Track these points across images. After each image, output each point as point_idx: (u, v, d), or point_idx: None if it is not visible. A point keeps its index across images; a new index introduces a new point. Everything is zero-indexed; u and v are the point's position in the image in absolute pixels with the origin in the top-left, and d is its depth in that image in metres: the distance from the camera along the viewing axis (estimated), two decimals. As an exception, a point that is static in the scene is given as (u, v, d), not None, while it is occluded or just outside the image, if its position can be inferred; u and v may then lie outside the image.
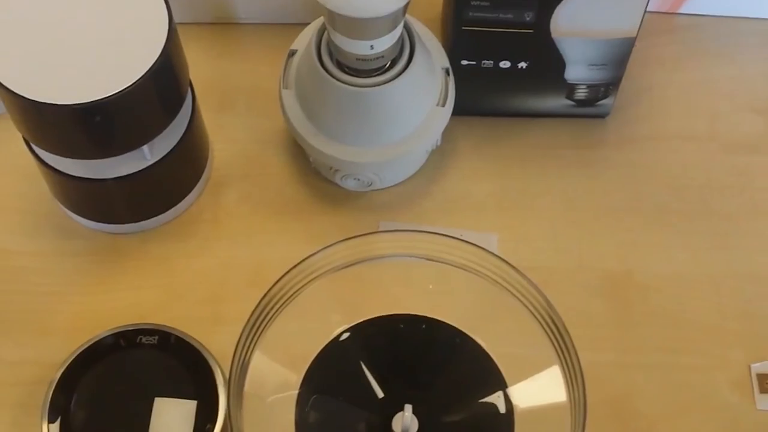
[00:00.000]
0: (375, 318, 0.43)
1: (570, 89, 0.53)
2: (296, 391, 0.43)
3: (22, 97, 0.42)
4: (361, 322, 0.44)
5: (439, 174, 0.55)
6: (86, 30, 0.43)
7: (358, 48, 0.44)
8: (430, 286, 0.46)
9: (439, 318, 0.43)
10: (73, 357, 0.46)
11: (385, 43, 0.44)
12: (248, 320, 0.42)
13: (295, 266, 0.43)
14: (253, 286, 0.50)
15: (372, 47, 0.44)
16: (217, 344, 0.47)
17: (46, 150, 0.45)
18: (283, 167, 0.55)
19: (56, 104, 0.42)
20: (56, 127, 0.44)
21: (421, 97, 0.49)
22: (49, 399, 0.45)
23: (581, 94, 0.53)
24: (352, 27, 0.43)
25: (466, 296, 0.44)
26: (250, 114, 0.56)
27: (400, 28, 0.44)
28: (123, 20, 0.43)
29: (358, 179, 0.51)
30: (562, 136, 0.56)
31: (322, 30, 0.48)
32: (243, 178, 0.54)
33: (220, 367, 0.46)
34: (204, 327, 0.48)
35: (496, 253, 0.44)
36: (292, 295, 0.43)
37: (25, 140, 0.48)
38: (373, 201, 0.54)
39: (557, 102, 0.54)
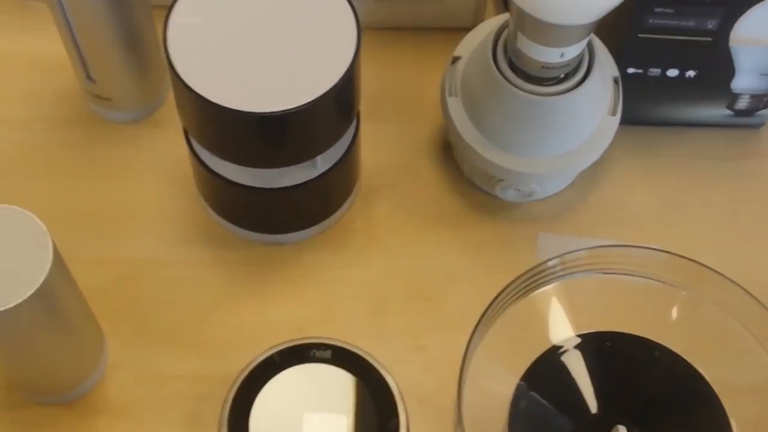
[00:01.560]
0: (602, 333, 0.42)
1: (733, 98, 0.52)
2: (511, 394, 0.42)
3: (211, 102, 0.40)
4: (587, 334, 0.43)
5: (593, 184, 0.53)
6: (274, 39, 0.42)
7: (547, 55, 0.43)
8: (673, 313, 0.45)
9: (664, 343, 0.42)
10: (246, 373, 0.44)
11: (575, 50, 0.43)
12: (477, 324, 0.41)
13: (527, 272, 0.42)
14: (414, 298, 0.49)
15: (562, 55, 0.43)
16: (382, 357, 0.46)
17: (223, 158, 0.44)
18: (434, 176, 0.53)
19: (245, 112, 0.40)
20: (240, 135, 0.43)
21: (595, 107, 0.47)
22: (227, 418, 0.43)
23: (743, 103, 0.52)
24: (547, 34, 0.42)
25: (692, 322, 0.43)
26: (397, 121, 0.54)
27: (589, 36, 0.43)
28: (312, 31, 0.42)
29: (519, 189, 0.50)
30: (717, 146, 0.55)
31: (496, 36, 0.47)
32: (394, 187, 0.53)
33: (394, 380, 0.45)
34: (367, 340, 0.47)
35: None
36: (519, 296, 0.42)
37: (190, 149, 0.47)
38: (529, 212, 0.53)
39: (716, 111, 0.53)
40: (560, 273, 0.42)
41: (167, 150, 0.53)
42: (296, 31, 0.42)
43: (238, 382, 0.45)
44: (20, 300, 0.36)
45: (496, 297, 0.41)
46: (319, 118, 0.43)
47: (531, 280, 0.41)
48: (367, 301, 0.50)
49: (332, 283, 0.50)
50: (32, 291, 0.36)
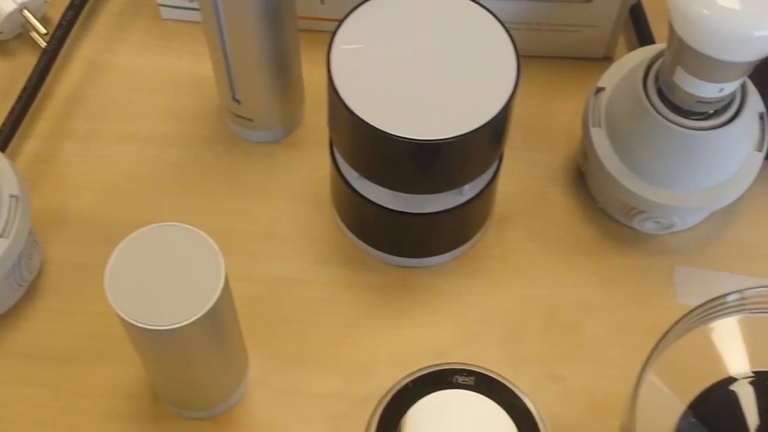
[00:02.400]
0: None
1: None
2: (674, 422, 0.42)
3: (370, 126, 0.41)
4: (763, 372, 0.42)
5: (730, 218, 0.53)
6: (434, 68, 0.43)
7: (706, 90, 0.43)
8: None
9: None
10: (390, 396, 0.44)
11: (734, 86, 0.43)
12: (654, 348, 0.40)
13: (704, 304, 0.41)
14: (550, 326, 0.49)
15: (721, 90, 0.43)
16: (519, 386, 0.46)
17: (374, 181, 0.45)
18: (567, 205, 0.53)
19: (403, 138, 0.41)
20: (395, 160, 0.43)
21: (744, 142, 0.47)
22: (371, 441, 0.44)
23: None
24: (710, 69, 0.42)
25: None
26: (529, 149, 0.55)
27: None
28: (472, 61, 0.43)
29: (659, 222, 0.50)
30: None
31: (646, 69, 0.47)
32: (527, 215, 0.53)
33: (536, 408, 0.45)
34: (503, 367, 0.47)
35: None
36: (695, 326, 0.41)
37: (336, 169, 0.48)
38: (664, 244, 0.52)
39: None
40: (738, 308, 0.41)
41: (303, 171, 0.54)
42: (456, 60, 0.43)
43: (383, 405, 0.45)
44: (193, 318, 0.37)
45: (672, 326, 0.41)
46: (474, 149, 0.43)
47: (708, 312, 0.40)
48: (503, 329, 0.50)
49: (468, 309, 0.50)
50: (205, 310, 0.37)
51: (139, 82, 0.57)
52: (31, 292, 0.49)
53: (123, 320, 0.38)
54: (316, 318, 0.50)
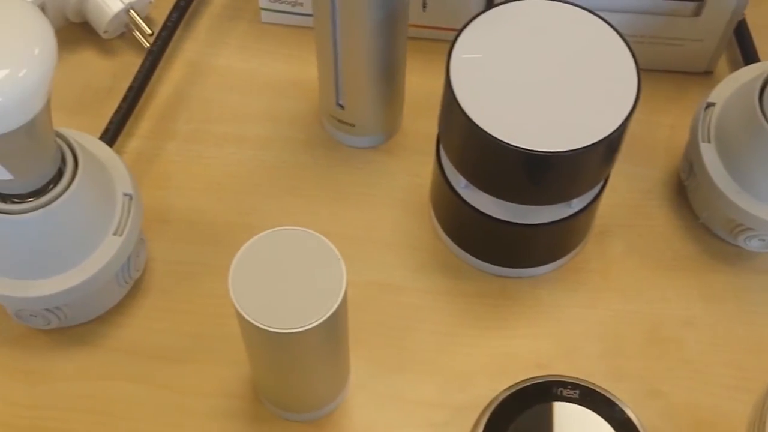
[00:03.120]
0: None
1: None
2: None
3: (487, 134, 0.41)
4: None
5: (834, 238, 0.52)
6: (553, 79, 0.43)
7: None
8: None
9: None
10: (493, 407, 0.44)
11: None
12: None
13: None
14: (652, 343, 0.49)
15: None
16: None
17: (484, 190, 0.45)
18: (667, 219, 0.53)
19: (520, 148, 0.41)
20: (510, 170, 0.43)
21: None
22: (476, 450, 0.44)
23: None
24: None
25: None
26: (629, 162, 0.54)
27: None
28: (591, 74, 0.43)
29: (765, 240, 0.49)
30: None
31: (762, 85, 0.46)
32: (627, 228, 0.53)
33: (641, 423, 0.45)
34: (604, 381, 0.46)
35: None
36: None
37: (443, 176, 0.48)
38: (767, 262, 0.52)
39: None
40: None
41: (401, 178, 0.54)
42: (575, 72, 0.43)
43: (487, 415, 0.45)
44: (315, 323, 0.37)
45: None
46: (589, 163, 0.43)
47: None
48: (603, 342, 0.49)
49: (568, 322, 0.50)
50: (327, 315, 0.38)
51: (239, 84, 0.58)
52: (134, 289, 0.50)
53: (244, 321, 0.38)
54: (414, 325, 0.50)
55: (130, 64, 0.57)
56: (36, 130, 0.40)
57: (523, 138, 0.42)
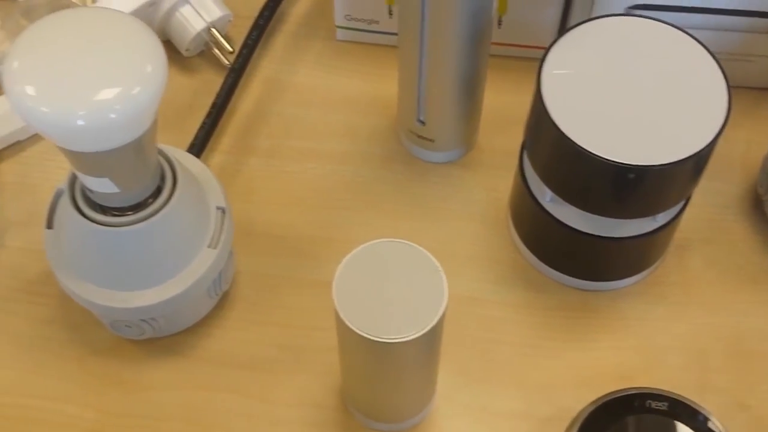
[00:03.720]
0: None
1: None
2: None
3: (577, 146, 0.42)
4: None
5: None
6: (643, 94, 0.43)
7: None
8: None
9: None
10: (581, 420, 0.45)
11: None
12: None
13: None
14: (736, 356, 0.49)
15: None
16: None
17: (572, 202, 0.45)
18: (745, 234, 0.53)
19: (612, 162, 0.41)
20: (601, 183, 0.44)
21: None
22: (568, 460, 0.44)
23: None
24: None
25: None
26: (705, 176, 0.55)
27: None
28: (682, 90, 0.43)
29: None
30: None
31: None
32: (705, 242, 0.53)
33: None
34: (690, 394, 0.46)
35: None
36: None
37: (526, 188, 0.48)
38: None
39: None
40: None
41: (479, 192, 0.55)
42: (664, 89, 0.44)
43: (576, 428, 0.45)
44: (418, 334, 0.38)
45: None
46: (678, 177, 0.44)
47: None
48: (686, 355, 0.50)
49: (651, 334, 0.50)
50: (430, 326, 0.38)
51: (317, 100, 0.59)
52: (222, 301, 0.51)
53: (346, 330, 0.39)
54: (497, 337, 0.51)
55: (210, 81, 0.59)
56: (143, 146, 0.41)
57: (614, 151, 0.42)
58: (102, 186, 0.42)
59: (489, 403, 0.49)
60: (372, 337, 0.38)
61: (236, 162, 0.56)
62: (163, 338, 0.50)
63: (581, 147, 0.42)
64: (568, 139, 0.43)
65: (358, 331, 0.38)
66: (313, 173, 0.56)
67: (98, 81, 0.37)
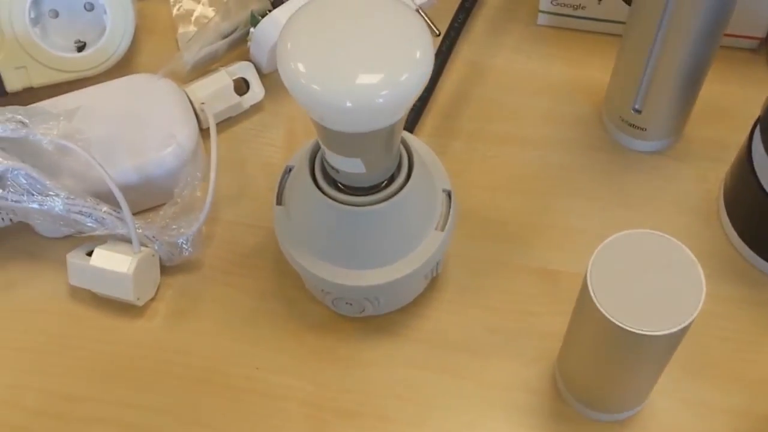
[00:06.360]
0: None
1: None
2: None
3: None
4: None
5: None
6: None
7: None
8: None
9: None
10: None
11: None
12: None
13: None
14: None
15: None
16: None
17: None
18: None
19: None
20: None
21: None
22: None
23: None
24: None
25: None
26: None
27: None
28: None
29: None
30: None
31: None
32: None
33: None
34: None
35: None
36: None
37: (756, 184, 0.47)
38: None
39: None
40: None
41: (688, 183, 0.54)
42: None
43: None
44: (677, 327, 0.38)
45: None
46: None
47: None
48: None
49: None
50: (689, 320, 0.38)
51: (518, 84, 0.59)
52: (432, 282, 0.52)
53: (598, 318, 0.39)
54: (713, 332, 0.50)
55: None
56: (396, 129, 0.41)
57: None
58: (351, 166, 0.42)
59: (707, 398, 0.48)
60: (628, 328, 0.38)
61: (440, 144, 0.56)
62: (376, 317, 0.51)
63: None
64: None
65: (614, 321, 0.38)
66: (516, 158, 0.56)
67: (368, 64, 0.38)
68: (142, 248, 0.51)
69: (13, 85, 0.56)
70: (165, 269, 0.52)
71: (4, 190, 0.49)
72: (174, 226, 0.52)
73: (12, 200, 0.49)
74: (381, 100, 0.38)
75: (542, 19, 0.60)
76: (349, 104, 0.38)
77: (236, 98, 0.57)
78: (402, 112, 0.40)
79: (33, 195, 0.49)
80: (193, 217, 0.52)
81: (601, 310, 0.39)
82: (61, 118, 0.51)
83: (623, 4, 0.57)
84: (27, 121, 0.50)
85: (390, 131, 0.41)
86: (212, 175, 0.53)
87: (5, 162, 0.49)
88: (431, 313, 0.51)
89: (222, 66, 0.58)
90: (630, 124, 0.54)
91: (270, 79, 0.58)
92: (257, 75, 0.58)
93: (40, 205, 0.50)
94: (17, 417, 0.49)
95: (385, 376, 0.50)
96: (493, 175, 0.55)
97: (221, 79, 0.56)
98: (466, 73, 0.59)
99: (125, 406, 0.49)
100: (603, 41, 0.60)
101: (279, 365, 0.50)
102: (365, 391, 0.49)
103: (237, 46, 0.59)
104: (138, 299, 0.51)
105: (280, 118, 0.58)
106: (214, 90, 0.56)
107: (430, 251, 0.46)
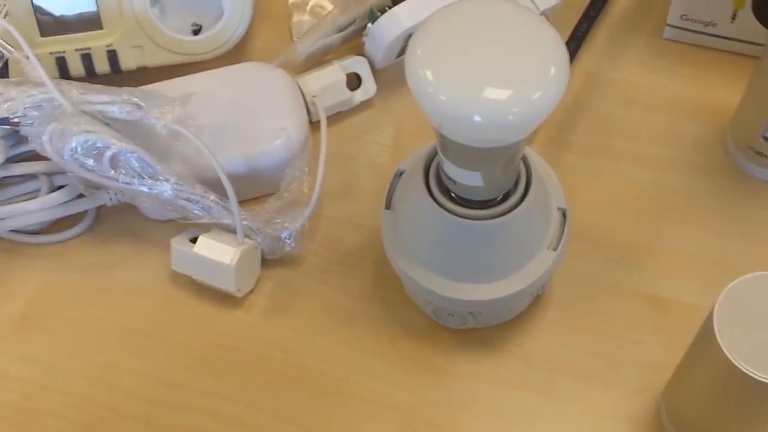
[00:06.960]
0: None
1: None
2: None
3: None
4: None
5: None
6: None
7: None
8: None
9: None
10: None
11: None
12: None
13: None
14: None
15: None
16: None
17: None
18: None
19: None
20: None
21: None
22: None
23: None
24: None
25: None
26: None
27: None
28: None
29: None
30: None
31: None
32: None
33: None
34: None
35: None
36: None
37: None
38: None
39: None
40: None
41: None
42: None
43: None
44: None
45: None
46: None
47: None
48: None
49: None
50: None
51: (639, 99, 0.56)
52: (537, 300, 0.50)
53: (723, 362, 0.37)
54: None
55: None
56: (520, 145, 0.40)
57: None
58: (470, 179, 0.41)
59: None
60: (753, 375, 0.36)
61: (552, 156, 0.54)
62: (477, 329, 0.50)
63: None
64: None
65: (738, 365, 0.36)
66: (632, 177, 0.54)
67: (500, 79, 0.37)
68: (246, 240, 0.51)
69: (127, 63, 0.57)
70: (265, 262, 0.52)
71: (116, 171, 0.50)
72: (278, 220, 0.52)
73: (123, 182, 0.50)
74: (511, 117, 0.37)
75: (669, 33, 0.57)
76: (477, 119, 0.37)
77: (348, 93, 0.56)
78: (531, 129, 0.38)
79: (143, 178, 0.50)
80: (297, 212, 0.52)
81: (726, 352, 0.37)
82: (176, 102, 0.51)
83: (758, 24, 0.54)
84: (143, 104, 0.50)
85: (515, 148, 0.40)
86: (320, 170, 0.52)
87: (119, 144, 0.49)
88: (533, 330, 0.50)
89: (335, 59, 0.57)
90: (757, 152, 0.51)
91: (382, 75, 0.57)
92: (370, 71, 0.57)
93: (149, 189, 0.50)
94: (110, 397, 0.49)
95: (480, 392, 0.48)
96: (606, 192, 0.53)
97: (335, 73, 0.56)
98: (585, 84, 0.57)
99: (217, 396, 0.49)
100: (732, 61, 0.57)
101: (373, 370, 0.49)
102: (460, 405, 0.48)
103: (351, 39, 0.58)
104: (238, 291, 0.51)
105: (390, 116, 0.57)
106: (327, 84, 0.56)
107: (540, 271, 0.45)
